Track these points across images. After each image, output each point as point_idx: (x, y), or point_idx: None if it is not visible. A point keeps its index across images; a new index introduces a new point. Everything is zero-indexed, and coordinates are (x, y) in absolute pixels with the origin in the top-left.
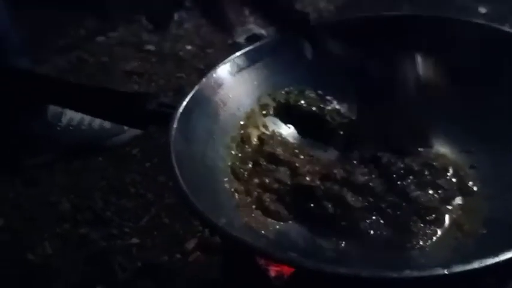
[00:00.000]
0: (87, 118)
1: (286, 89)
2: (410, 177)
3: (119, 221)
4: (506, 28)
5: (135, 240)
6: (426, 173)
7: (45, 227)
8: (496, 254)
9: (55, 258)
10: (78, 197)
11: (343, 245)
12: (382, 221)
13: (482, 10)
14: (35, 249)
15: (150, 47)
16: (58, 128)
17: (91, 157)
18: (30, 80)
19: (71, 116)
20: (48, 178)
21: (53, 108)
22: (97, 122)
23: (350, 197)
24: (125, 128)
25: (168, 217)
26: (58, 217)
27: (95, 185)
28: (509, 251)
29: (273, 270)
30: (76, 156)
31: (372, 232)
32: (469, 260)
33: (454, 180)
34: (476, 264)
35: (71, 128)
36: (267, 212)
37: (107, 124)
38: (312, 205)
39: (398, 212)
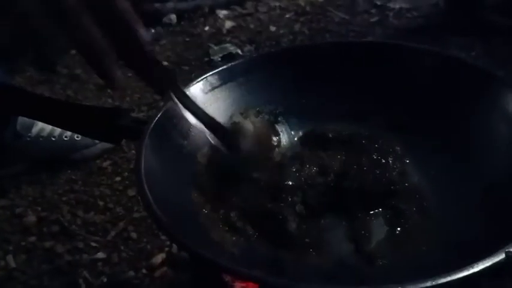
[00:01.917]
0: (57, 129)
1: (258, 108)
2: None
3: (86, 234)
4: (469, 59)
5: (101, 255)
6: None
7: (10, 239)
8: (450, 273)
9: (19, 272)
10: (45, 209)
11: (307, 261)
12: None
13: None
14: None
15: None
16: (27, 139)
17: (60, 169)
18: (2, 91)
19: (42, 126)
20: (15, 189)
21: (22, 119)
22: (68, 133)
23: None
24: (96, 140)
25: (136, 232)
26: (23, 229)
27: (63, 197)
28: (462, 270)
29: (238, 286)
30: (45, 168)
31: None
32: (422, 279)
33: (412, 202)
34: (429, 283)
35: (40, 139)
36: (233, 229)
37: (78, 136)
38: (275, 224)
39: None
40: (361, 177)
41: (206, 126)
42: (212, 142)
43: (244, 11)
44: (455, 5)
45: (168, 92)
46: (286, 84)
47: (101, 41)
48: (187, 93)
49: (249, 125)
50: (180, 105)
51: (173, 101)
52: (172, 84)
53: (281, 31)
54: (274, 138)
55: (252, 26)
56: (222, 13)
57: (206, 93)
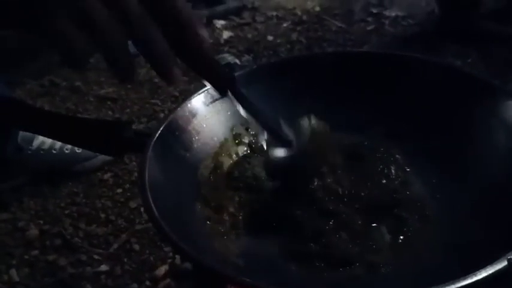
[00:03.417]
0: (58, 142)
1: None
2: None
3: (88, 247)
4: (466, 68)
5: (104, 267)
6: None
7: (13, 253)
8: (453, 281)
9: (22, 286)
10: (47, 222)
11: (310, 270)
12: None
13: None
14: (1, 276)
15: None
16: (29, 152)
17: (61, 182)
18: (5, 104)
19: (43, 139)
20: (17, 203)
21: (23, 132)
22: (69, 146)
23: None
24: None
25: (138, 243)
26: (26, 243)
27: (65, 210)
28: (466, 278)
29: None
30: (46, 181)
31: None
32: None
33: (414, 210)
34: None
35: (41, 152)
36: (237, 240)
37: (79, 149)
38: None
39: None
40: (365, 188)
41: (263, 126)
42: (267, 141)
43: (241, 21)
44: (450, 12)
45: (227, 91)
46: (286, 95)
47: (162, 42)
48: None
49: (307, 126)
50: (238, 104)
51: (231, 100)
52: (230, 84)
53: (278, 40)
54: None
55: (249, 35)
56: (220, 23)
57: (207, 105)
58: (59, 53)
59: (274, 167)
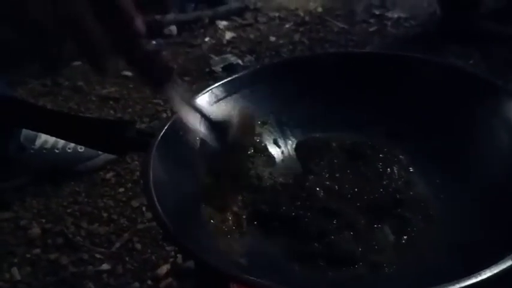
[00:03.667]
0: (61, 141)
1: (262, 119)
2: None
3: (90, 246)
4: (469, 68)
5: (106, 266)
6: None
7: (15, 251)
8: (458, 281)
9: (24, 285)
10: (49, 221)
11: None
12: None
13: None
14: (3, 274)
15: (128, 73)
16: (31, 151)
17: (63, 181)
18: (7, 103)
19: (45, 138)
20: (19, 202)
21: (26, 131)
22: (71, 145)
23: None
24: (99, 152)
25: (140, 243)
26: (28, 242)
27: (67, 209)
28: (470, 277)
29: None
30: (48, 180)
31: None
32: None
33: (418, 210)
34: None
35: (44, 151)
36: (241, 239)
37: (81, 148)
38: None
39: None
40: (368, 187)
41: (206, 122)
42: (202, 136)
43: (244, 22)
44: (452, 13)
45: (166, 86)
46: (289, 95)
47: (96, 32)
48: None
49: (232, 118)
50: (177, 99)
51: (169, 95)
52: (169, 78)
53: (281, 41)
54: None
55: (252, 36)
56: (222, 24)
57: (212, 104)
58: None
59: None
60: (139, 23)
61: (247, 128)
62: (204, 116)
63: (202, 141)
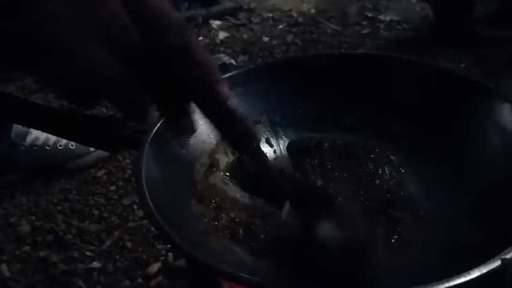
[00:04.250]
0: (52, 138)
1: (255, 118)
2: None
3: (81, 244)
4: (461, 71)
5: (96, 264)
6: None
7: (4, 249)
8: (447, 280)
9: (13, 282)
10: (40, 218)
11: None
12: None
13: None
14: None
15: None
16: (22, 148)
17: (54, 178)
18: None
19: (36, 135)
20: (9, 198)
21: (17, 127)
22: (62, 142)
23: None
24: (91, 149)
25: (131, 241)
26: (18, 239)
27: (57, 206)
28: (459, 277)
29: None
30: (39, 177)
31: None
32: (419, 286)
33: (408, 210)
34: None
35: (35, 147)
36: (233, 237)
37: (72, 145)
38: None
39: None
40: (359, 187)
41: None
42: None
43: (237, 22)
44: (444, 17)
45: (250, 153)
46: (282, 95)
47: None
48: None
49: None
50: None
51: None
52: (254, 144)
53: (274, 42)
54: None
55: (245, 36)
56: (216, 24)
57: None
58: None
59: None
60: (224, 88)
61: None
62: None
63: None
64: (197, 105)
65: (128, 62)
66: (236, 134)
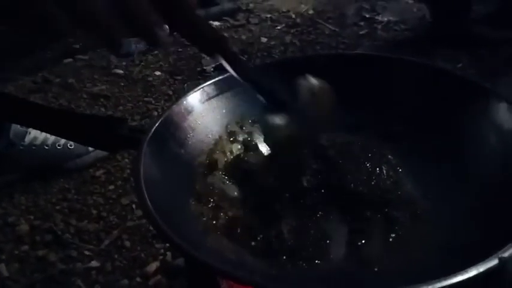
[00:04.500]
0: (51, 138)
1: (253, 117)
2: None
3: (79, 243)
4: (458, 71)
5: (94, 263)
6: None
7: (3, 248)
8: (444, 278)
9: (11, 281)
10: (38, 218)
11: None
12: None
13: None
14: None
15: (119, 71)
16: (21, 147)
17: (53, 178)
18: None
19: (35, 135)
20: (8, 198)
21: (15, 127)
22: (61, 142)
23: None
24: (89, 149)
25: (129, 240)
26: (16, 238)
27: (56, 206)
28: (456, 275)
29: None
30: (37, 177)
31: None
32: (417, 284)
33: (406, 209)
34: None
35: (33, 147)
36: (231, 236)
37: (71, 145)
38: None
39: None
40: (356, 186)
41: (257, 90)
42: (262, 101)
43: (236, 23)
44: (441, 17)
45: (217, 55)
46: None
47: (146, 4)
48: (185, 102)
49: (307, 86)
50: (230, 68)
51: (222, 63)
52: (221, 47)
53: (272, 42)
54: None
55: (243, 37)
56: (214, 24)
57: (203, 102)
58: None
59: (274, 136)
60: None
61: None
62: (259, 83)
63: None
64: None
65: None
66: (202, 37)
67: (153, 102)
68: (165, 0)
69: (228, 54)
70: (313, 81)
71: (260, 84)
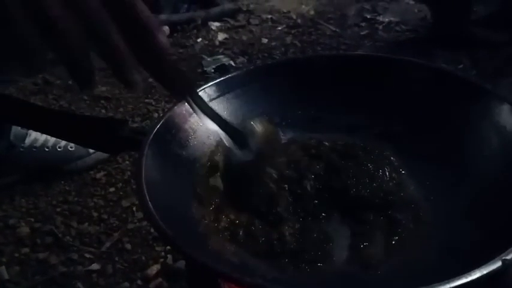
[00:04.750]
0: (51, 139)
1: (255, 119)
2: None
3: (80, 245)
4: (459, 72)
5: (95, 266)
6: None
7: (3, 250)
8: (448, 281)
9: (12, 284)
10: (39, 220)
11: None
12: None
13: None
14: None
15: None
16: (21, 149)
17: (53, 180)
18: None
19: (35, 137)
20: (8, 200)
21: (16, 129)
22: (62, 144)
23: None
24: (90, 151)
25: (130, 243)
26: (17, 241)
27: (57, 208)
28: (460, 278)
29: None
30: (38, 179)
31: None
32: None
33: (408, 211)
34: None
35: (34, 149)
36: (233, 239)
37: (72, 147)
38: (275, 239)
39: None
40: (358, 189)
41: (222, 129)
42: (226, 144)
43: (236, 23)
44: (442, 18)
45: (186, 96)
46: (282, 96)
47: (121, 44)
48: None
49: (258, 127)
50: (197, 109)
51: (190, 105)
52: (189, 89)
53: (273, 43)
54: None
55: (244, 38)
56: (215, 25)
57: None
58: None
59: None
60: (163, 37)
61: (271, 137)
62: (224, 123)
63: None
64: (138, 56)
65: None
66: (172, 78)
67: (154, 103)
68: (139, 42)
69: (195, 96)
70: (259, 126)
71: (221, 121)
